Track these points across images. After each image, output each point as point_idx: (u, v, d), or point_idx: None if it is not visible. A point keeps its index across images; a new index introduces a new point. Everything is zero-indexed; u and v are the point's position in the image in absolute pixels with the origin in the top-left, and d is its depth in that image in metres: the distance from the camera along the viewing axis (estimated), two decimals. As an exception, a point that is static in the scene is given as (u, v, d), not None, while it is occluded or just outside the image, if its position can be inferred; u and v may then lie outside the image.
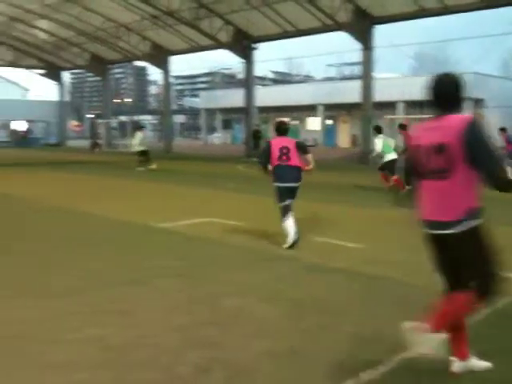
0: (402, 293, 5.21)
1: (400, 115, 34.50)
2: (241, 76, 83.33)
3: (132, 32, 34.53)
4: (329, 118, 43.70)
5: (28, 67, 46.32)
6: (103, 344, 3.96)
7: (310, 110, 41.99)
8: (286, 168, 7.26)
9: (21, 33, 39.02)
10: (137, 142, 20.42)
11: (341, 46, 42.44)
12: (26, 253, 6.91)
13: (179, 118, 76.50)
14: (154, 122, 65.81)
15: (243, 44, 30.35)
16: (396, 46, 26.59)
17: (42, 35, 39.14)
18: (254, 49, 31.05)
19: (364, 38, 25.08)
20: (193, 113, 70.53)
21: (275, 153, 7.28)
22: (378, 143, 13.61)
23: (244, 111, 32.32)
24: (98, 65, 41.46)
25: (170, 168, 20.93)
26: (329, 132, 43.21)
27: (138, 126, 23.32)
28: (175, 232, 8.28)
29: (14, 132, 44.78)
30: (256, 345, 3.95)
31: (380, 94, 27.54)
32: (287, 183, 7.30)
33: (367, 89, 25.44)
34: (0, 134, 55.04)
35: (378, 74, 29.88)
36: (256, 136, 28.86)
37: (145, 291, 5.27)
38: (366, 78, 25.57)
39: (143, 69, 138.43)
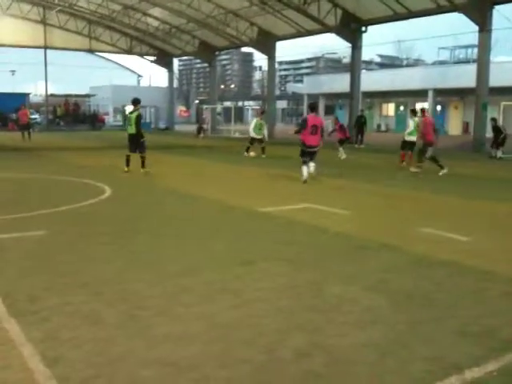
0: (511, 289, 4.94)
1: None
2: (346, 60, 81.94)
3: (240, 18, 35.05)
4: (439, 104, 41.83)
5: (141, 54, 48.59)
6: (211, 321, 4.14)
7: (420, 95, 40.35)
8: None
9: (135, 21, 40.98)
10: (251, 127, 19.87)
11: (455, 27, 40.24)
12: (154, 234, 7.31)
13: (282, 104, 76.77)
14: (257, 107, 66.69)
15: (351, 27, 29.73)
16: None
17: (155, 23, 40.91)
18: (363, 32, 30.32)
19: (482, 19, 23.64)
20: (295, 98, 70.49)
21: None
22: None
23: (348, 96, 31.79)
24: (206, 51, 42.55)
25: (274, 154, 21.07)
26: (439, 119, 41.40)
27: (261, 111, 22.56)
28: (280, 217, 8.39)
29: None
30: (358, 334, 3.94)
31: (496, 79, 25.92)
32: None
33: (483, 73, 24.01)
34: (117, 118, 58.48)
35: (496, 57, 28.11)
36: (360, 121, 28.33)
37: (254, 273, 5.42)
38: (482, 61, 24.14)
39: (249, 55, 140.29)
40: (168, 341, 3.78)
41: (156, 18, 39.92)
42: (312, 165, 12.19)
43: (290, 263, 5.79)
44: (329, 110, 52.68)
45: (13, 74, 61.04)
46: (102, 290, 4.82)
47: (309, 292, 4.85)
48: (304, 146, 12.04)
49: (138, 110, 14.08)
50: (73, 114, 49.80)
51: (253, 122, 20.28)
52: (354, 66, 31.11)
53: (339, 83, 39.14)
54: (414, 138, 15.71)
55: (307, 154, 12.05)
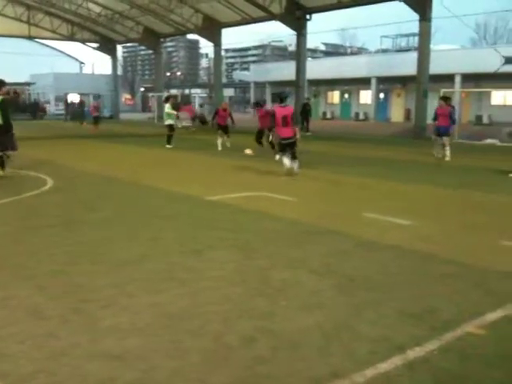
0: (451, 271, 5.13)
1: (457, 88, 33.45)
2: (292, 48, 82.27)
3: (185, 4, 34.58)
4: (382, 92, 42.71)
5: (83, 41, 47.24)
6: (158, 311, 4.11)
7: (364, 82, 41.06)
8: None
9: (76, 6, 39.74)
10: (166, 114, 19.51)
11: (397, 16, 41.08)
12: (99, 222, 7.17)
13: (229, 92, 76.46)
14: (204, 95, 66.20)
15: (296, 15, 29.87)
16: (456, 17, 25.37)
17: (97, 9, 39.80)
18: (307, 20, 30.52)
19: (422, 8, 24.24)
20: (242, 86, 70.38)
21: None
22: None
23: (295, 84, 32.00)
24: (151, 38, 41.84)
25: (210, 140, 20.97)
26: (381, 106, 42.31)
27: (166, 98, 21.06)
28: (229, 204, 8.39)
29: (70, 105, 46.06)
30: (304, 317, 4.01)
31: (436, 67, 26.68)
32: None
33: (423, 61, 24.66)
34: (58, 107, 56.78)
35: (436, 45, 28.87)
36: (305, 109, 28.59)
37: (200, 261, 5.41)
38: (423, 50, 24.79)
39: (195, 42, 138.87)
40: (114, 333, 3.73)
41: (98, 4, 38.84)
42: (295, 162, 11.48)
43: (238, 250, 5.81)
44: (275, 98, 52.82)
45: None
46: (46, 284, 4.70)
47: (256, 278, 4.88)
48: (280, 139, 11.59)
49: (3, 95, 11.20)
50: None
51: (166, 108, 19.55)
52: (300, 54, 31.32)
53: (285, 71, 39.31)
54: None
55: (286, 147, 11.44)
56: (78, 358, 3.38)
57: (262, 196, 9.20)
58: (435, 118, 15.47)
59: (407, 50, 55.92)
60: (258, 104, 19.12)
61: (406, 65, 31.08)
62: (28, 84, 54.15)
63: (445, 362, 3.34)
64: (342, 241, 6.25)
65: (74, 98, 48.44)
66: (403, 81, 39.00)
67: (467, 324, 3.90)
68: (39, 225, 7.00)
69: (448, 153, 15.14)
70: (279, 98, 11.81)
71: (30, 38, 47.31)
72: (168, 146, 18.61)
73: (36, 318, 3.98)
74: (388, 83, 41.45)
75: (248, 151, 16.36)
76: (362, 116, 42.32)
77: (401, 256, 5.66)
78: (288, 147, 11.47)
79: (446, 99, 15.81)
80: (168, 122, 19.24)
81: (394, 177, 11.88)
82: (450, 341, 3.64)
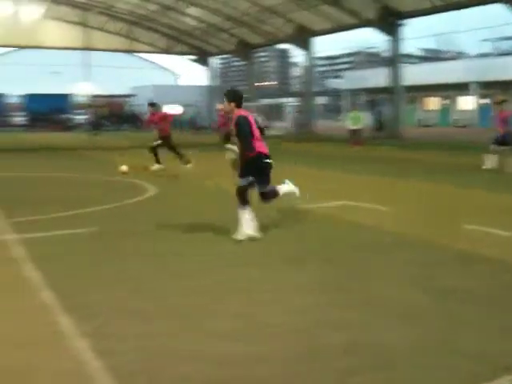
0: None
1: None
2: (385, 55, 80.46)
3: (276, 15, 35.00)
4: (484, 97, 40.75)
5: (179, 53, 49.10)
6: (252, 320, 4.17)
7: (462, 88, 39.41)
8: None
9: (173, 20, 41.40)
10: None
11: (497, 19, 39.15)
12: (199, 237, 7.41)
13: (322, 100, 76.15)
14: (297, 104, 66.48)
15: (390, 21, 29.32)
16: None
17: (192, 22, 41.26)
18: (402, 25, 29.85)
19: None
20: (335, 94, 69.94)
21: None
22: None
23: (389, 91, 31.33)
24: (244, 49, 42.70)
25: (306, 149, 21.00)
26: (484, 112, 40.35)
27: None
28: (318, 214, 8.35)
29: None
30: (400, 330, 3.88)
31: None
32: None
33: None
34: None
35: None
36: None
37: (294, 272, 5.43)
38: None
39: (286, 51, 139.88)
40: (212, 337, 3.81)
41: (193, 17, 40.26)
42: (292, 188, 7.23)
43: (333, 264, 5.76)
44: (370, 106, 52.05)
45: (55, 75, 62.69)
46: (140, 287, 4.92)
47: (354, 289, 4.82)
48: (262, 159, 6.70)
49: None
50: (117, 115, 50.78)
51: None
52: (394, 60, 30.65)
53: (380, 78, 38.64)
54: None
55: (268, 169, 6.76)
56: (176, 358, 3.49)
57: (349, 205, 9.05)
58: (501, 124, 13.78)
59: (510, 53, 53.12)
60: None
61: (509, 69, 29.51)
62: (130, 96, 56.91)
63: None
64: (438, 252, 6.02)
65: (171, 109, 50.35)
66: (506, 85, 37.07)
67: None
68: (139, 231, 7.30)
69: None
70: (236, 101, 6.78)
71: (130, 51, 49.90)
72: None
73: (139, 318, 4.16)
74: (490, 88, 39.53)
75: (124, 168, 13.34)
76: (461, 122, 40.60)
77: (504, 270, 5.36)
78: (270, 170, 6.82)
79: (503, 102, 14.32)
80: None
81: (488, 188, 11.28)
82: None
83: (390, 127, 31.11)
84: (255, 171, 6.64)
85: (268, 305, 4.44)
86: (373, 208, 8.71)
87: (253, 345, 3.66)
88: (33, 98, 50.81)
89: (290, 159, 16.37)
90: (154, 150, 14.38)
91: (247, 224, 6.56)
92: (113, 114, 50.56)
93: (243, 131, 6.59)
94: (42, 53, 54.13)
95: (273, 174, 6.80)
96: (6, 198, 10.14)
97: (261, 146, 6.71)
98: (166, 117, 14.78)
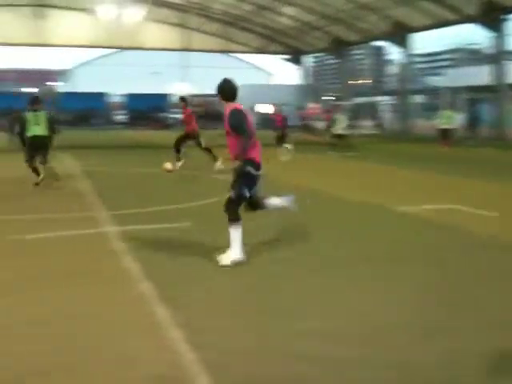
0: None
1: None
2: (488, 51, 76.18)
3: (372, 11, 34.27)
4: None
5: (273, 53, 49.34)
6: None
7: None
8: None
9: (267, 20, 41.69)
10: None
11: None
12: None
13: (419, 98, 73.65)
14: (392, 102, 64.75)
15: (493, 16, 27.78)
16: None
17: (287, 21, 41.32)
18: (507, 20, 28.20)
19: None
20: (433, 92, 67.37)
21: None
22: None
23: (492, 90, 29.69)
24: (338, 47, 42.18)
25: (396, 149, 20.33)
26: None
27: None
28: (419, 218, 7.98)
29: (261, 115, 48.38)
30: (492, 337, 3.66)
31: None
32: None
33: None
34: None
35: None
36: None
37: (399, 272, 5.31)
38: None
39: (381, 48, 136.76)
40: (305, 337, 3.79)
41: (288, 16, 40.31)
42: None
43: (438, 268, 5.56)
44: (469, 105, 49.58)
45: (154, 75, 65.37)
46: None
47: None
48: (254, 167, 5.63)
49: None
50: (211, 114, 52.07)
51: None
52: (499, 57, 29.03)
53: (482, 76, 36.69)
54: None
55: (253, 184, 5.65)
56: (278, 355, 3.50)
57: (457, 210, 8.62)
58: None
59: None
60: None
61: None
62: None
63: None
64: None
65: (264, 108, 50.91)
66: None
67: None
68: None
69: None
70: (230, 95, 6.28)
71: (226, 51, 50.85)
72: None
73: (230, 312, 4.22)
74: None
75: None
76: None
77: None
78: (255, 184, 5.75)
79: None
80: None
81: None
82: None
83: (493, 128, 29.55)
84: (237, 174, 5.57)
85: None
86: (477, 213, 8.24)
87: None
88: (133, 97, 53.26)
89: (375, 158, 15.98)
90: (206, 149, 14.55)
91: (238, 247, 5.43)
92: (209, 114, 51.82)
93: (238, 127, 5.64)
94: (143, 54, 56.58)
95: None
96: (108, 192, 10.69)
97: (254, 151, 5.64)
98: (191, 113, 14.92)
